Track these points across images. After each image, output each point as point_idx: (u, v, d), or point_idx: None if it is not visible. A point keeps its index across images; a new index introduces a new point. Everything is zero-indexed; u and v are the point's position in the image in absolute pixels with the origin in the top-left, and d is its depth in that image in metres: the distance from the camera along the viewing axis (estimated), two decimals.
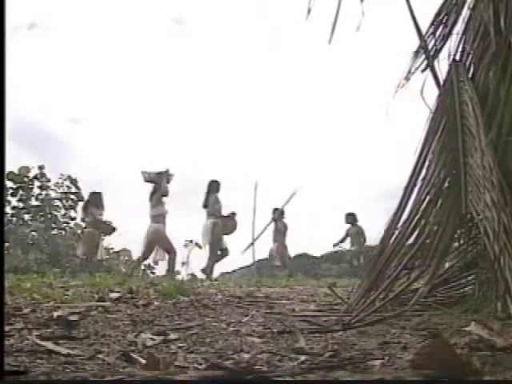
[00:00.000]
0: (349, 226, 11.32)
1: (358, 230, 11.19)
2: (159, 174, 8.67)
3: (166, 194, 8.68)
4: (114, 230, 9.76)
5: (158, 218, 8.58)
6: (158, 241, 8.63)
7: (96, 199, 9.32)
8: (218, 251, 9.23)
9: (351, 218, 11.28)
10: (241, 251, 10.84)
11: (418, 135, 2.82)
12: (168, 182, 8.75)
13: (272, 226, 11.14)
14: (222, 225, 9.17)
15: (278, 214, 10.99)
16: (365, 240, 11.11)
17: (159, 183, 8.60)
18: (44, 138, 22.48)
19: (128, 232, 11.01)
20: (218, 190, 9.32)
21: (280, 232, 10.99)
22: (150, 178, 8.69)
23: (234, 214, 9.61)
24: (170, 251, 8.71)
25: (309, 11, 2.92)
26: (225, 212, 9.41)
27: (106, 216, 10.02)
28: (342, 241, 11.46)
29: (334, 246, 11.68)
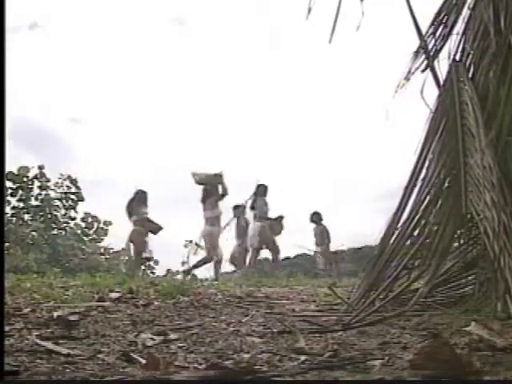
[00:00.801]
0: (314, 225, 10.84)
1: (323, 229, 10.76)
2: (215, 175, 8.62)
3: (227, 194, 8.71)
4: (160, 228, 9.63)
5: (214, 220, 8.67)
6: (217, 242, 8.77)
7: (142, 197, 9.31)
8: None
9: (316, 217, 10.81)
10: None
11: (418, 135, 2.82)
12: (222, 183, 8.75)
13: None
14: (269, 228, 9.31)
15: (241, 211, 10.32)
16: (329, 240, 10.69)
17: (214, 185, 8.57)
18: (44, 138, 22.52)
19: (128, 232, 10.99)
20: (265, 194, 9.49)
21: (241, 229, 10.32)
22: (202, 179, 8.66)
23: (281, 217, 9.76)
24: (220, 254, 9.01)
25: (309, 11, 2.92)
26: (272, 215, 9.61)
27: (105, 216, 10.05)
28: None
29: (299, 247, 11.33)
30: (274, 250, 9.77)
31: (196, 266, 9.06)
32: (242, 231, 10.14)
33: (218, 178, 8.59)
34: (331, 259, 10.73)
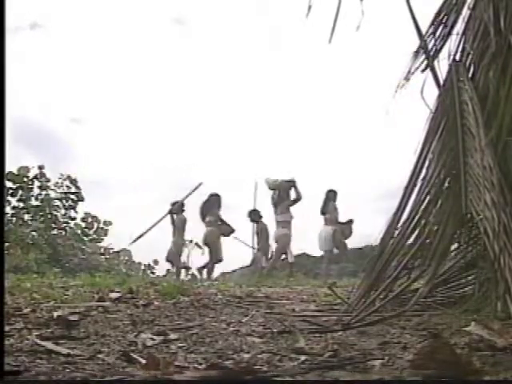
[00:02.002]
0: (254, 223, 10.51)
1: (263, 227, 10.41)
2: (288, 181, 9.10)
3: (300, 198, 9.16)
4: (232, 230, 9.94)
5: (285, 223, 9.08)
6: (287, 244, 9.17)
7: (216, 200, 9.68)
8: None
9: (255, 214, 10.50)
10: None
11: (418, 135, 2.82)
12: (291, 188, 9.21)
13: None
14: (340, 231, 9.62)
15: (178, 207, 10.17)
16: (268, 237, 10.37)
17: (286, 191, 9.03)
18: (44, 138, 22.50)
19: (128, 232, 10.99)
20: (335, 199, 9.80)
21: (177, 227, 10.12)
22: (275, 185, 9.12)
23: (351, 221, 9.98)
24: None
25: (309, 8, 2.92)
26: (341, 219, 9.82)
27: (105, 216, 10.04)
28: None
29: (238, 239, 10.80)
30: (342, 252, 10.12)
31: (271, 269, 9.45)
32: (175, 228, 10.09)
33: (290, 183, 9.10)
34: (267, 253, 10.51)
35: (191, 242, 10.80)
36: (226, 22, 26.68)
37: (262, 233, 10.23)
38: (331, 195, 9.66)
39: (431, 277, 2.46)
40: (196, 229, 10.08)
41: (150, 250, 12.59)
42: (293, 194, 9.25)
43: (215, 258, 9.66)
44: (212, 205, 9.67)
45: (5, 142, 1.30)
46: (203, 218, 9.67)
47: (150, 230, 10.21)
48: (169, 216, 10.09)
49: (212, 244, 9.59)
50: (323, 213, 9.59)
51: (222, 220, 9.77)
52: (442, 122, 2.75)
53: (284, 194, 9.08)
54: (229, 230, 9.91)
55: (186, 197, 10.17)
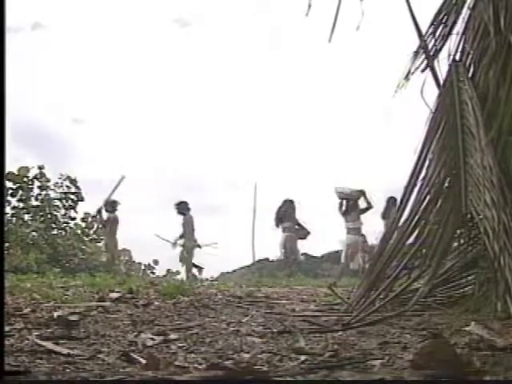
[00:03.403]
0: (181, 216, 10.06)
1: (189, 220, 10.09)
2: (358, 191, 9.56)
3: (371, 207, 9.65)
4: (308, 233, 10.21)
5: (356, 230, 9.56)
6: (358, 250, 9.57)
7: (291, 206, 10.00)
8: None
9: (183, 207, 10.11)
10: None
11: (418, 135, 2.82)
12: (361, 197, 9.65)
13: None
14: None
15: (109, 205, 9.84)
16: (193, 230, 10.10)
17: (355, 200, 9.51)
18: (44, 138, 22.48)
19: (128, 232, 10.98)
20: (395, 205, 9.95)
21: (109, 224, 9.77)
22: (347, 195, 9.54)
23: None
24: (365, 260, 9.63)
25: (309, 6, 2.92)
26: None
27: (105, 216, 10.02)
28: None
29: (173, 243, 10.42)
30: None
31: (340, 276, 9.60)
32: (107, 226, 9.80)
33: (359, 193, 9.57)
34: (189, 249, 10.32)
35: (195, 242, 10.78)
36: (226, 22, 26.66)
37: (187, 225, 10.02)
38: (392, 201, 9.78)
39: (431, 277, 2.47)
40: (197, 229, 10.09)
41: (150, 250, 12.58)
42: (362, 203, 9.74)
43: (292, 259, 10.11)
44: (288, 210, 10.03)
45: (5, 142, 1.30)
46: (278, 224, 10.01)
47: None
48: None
49: (289, 249, 9.97)
50: (383, 218, 9.89)
51: (299, 224, 10.09)
52: (442, 121, 2.75)
53: (355, 203, 9.64)
54: (306, 233, 10.22)
55: (112, 193, 10.01)
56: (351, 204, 9.58)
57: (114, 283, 4.57)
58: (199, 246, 10.27)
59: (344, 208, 9.64)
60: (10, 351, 1.42)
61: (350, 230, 9.61)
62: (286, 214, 9.97)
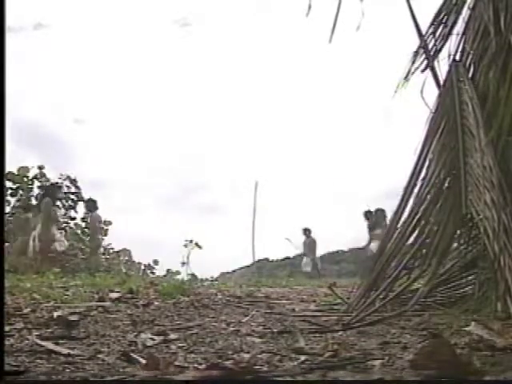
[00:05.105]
0: (89, 213, 10.13)
1: (96, 217, 10.00)
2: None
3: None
4: None
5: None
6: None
7: (382, 214, 10.20)
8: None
9: (91, 204, 10.01)
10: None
11: (418, 135, 2.82)
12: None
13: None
14: None
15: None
16: (100, 229, 10.06)
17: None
18: (44, 138, 22.49)
19: (128, 232, 10.99)
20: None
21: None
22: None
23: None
24: None
25: (309, 7, 2.92)
26: None
27: (105, 216, 10.04)
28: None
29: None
30: None
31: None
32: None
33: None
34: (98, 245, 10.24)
35: (191, 242, 10.80)
36: (226, 23, 26.68)
37: (92, 223, 9.95)
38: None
39: (431, 277, 2.47)
40: (196, 229, 10.11)
41: (150, 250, 12.60)
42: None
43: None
44: (379, 218, 10.28)
45: (5, 142, 1.30)
46: (372, 230, 10.29)
47: None
48: None
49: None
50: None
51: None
52: (442, 122, 2.75)
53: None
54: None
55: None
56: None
57: (114, 283, 4.56)
58: (190, 241, 10.24)
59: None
60: (10, 351, 1.42)
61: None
62: (377, 221, 10.24)
